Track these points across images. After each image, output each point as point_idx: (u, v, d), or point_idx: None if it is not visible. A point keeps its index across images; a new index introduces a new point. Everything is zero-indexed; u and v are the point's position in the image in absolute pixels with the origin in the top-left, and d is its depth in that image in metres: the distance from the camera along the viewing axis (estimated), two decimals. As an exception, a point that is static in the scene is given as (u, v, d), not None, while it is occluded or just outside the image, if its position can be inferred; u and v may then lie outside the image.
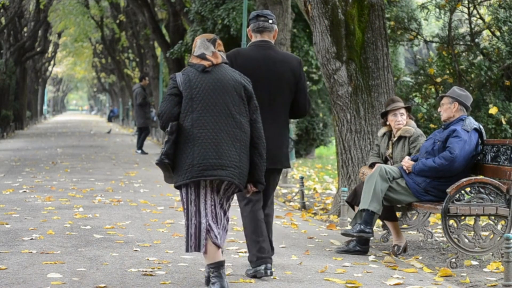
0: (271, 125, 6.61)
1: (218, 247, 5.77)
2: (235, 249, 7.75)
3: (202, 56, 5.98)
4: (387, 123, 8.43)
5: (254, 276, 6.48)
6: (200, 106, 5.84)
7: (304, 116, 7.06)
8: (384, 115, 8.49)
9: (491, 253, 7.32)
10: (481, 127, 7.74)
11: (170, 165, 5.81)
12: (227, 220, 5.93)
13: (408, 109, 8.41)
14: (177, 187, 5.87)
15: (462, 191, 7.28)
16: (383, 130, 8.52)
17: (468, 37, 12.51)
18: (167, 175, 5.90)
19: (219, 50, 6.05)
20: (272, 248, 6.74)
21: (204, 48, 6.01)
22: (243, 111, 5.95)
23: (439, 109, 7.95)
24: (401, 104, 8.37)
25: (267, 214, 6.79)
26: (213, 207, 5.82)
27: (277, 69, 6.68)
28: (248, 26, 6.84)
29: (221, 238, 5.80)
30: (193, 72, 5.93)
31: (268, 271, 6.46)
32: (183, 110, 5.86)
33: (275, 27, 6.78)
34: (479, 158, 7.72)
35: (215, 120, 5.83)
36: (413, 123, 8.37)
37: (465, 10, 12.44)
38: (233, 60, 6.60)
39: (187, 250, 5.84)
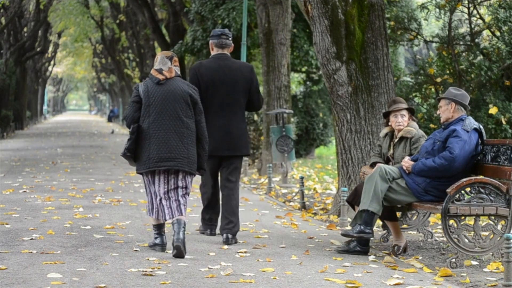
0: (230, 120, 8.31)
1: (178, 211, 7.49)
2: (235, 249, 7.75)
3: (160, 71, 7.59)
4: (389, 123, 8.43)
5: (202, 233, 8.61)
6: (155, 112, 7.50)
7: (259, 110, 8.76)
8: (386, 115, 8.49)
9: (491, 253, 7.32)
10: (481, 127, 7.73)
11: (132, 157, 7.56)
12: (185, 195, 7.57)
13: (410, 110, 8.40)
14: (139, 173, 7.65)
15: (462, 191, 7.28)
16: (385, 130, 8.52)
17: (468, 37, 12.51)
18: (131, 163, 7.68)
19: (174, 66, 7.65)
20: (234, 221, 8.22)
21: (162, 64, 7.63)
22: (189, 114, 7.58)
23: (438, 111, 7.95)
24: (403, 105, 8.35)
25: (231, 194, 8.31)
26: (165, 188, 7.51)
27: (233, 76, 8.34)
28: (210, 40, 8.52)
29: (177, 205, 7.48)
30: (151, 83, 7.57)
31: (213, 232, 8.54)
32: (142, 115, 7.54)
33: (232, 43, 8.51)
34: (479, 158, 7.72)
35: (166, 122, 7.49)
36: (415, 124, 8.36)
37: (465, 10, 12.44)
38: (197, 70, 8.36)
39: (148, 215, 7.73)
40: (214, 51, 8.47)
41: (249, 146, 8.54)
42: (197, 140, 7.63)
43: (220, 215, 8.41)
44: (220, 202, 8.44)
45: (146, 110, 7.51)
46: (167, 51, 7.66)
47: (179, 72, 7.68)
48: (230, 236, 8.08)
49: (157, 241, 7.66)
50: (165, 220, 7.60)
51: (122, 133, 40.07)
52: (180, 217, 7.42)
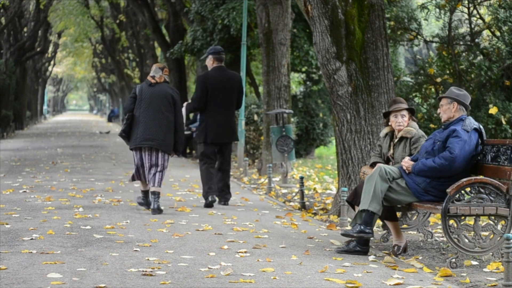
0: (225, 115, 11.30)
1: (153, 184, 10.42)
2: (235, 249, 7.75)
3: (153, 77, 10.62)
4: (389, 123, 8.42)
5: (207, 205, 11.05)
6: (145, 105, 10.52)
7: (239, 108, 12.17)
8: (386, 115, 8.49)
9: (491, 253, 7.31)
10: (481, 127, 7.72)
11: (126, 137, 10.60)
12: (163, 169, 10.52)
13: (411, 110, 8.40)
14: (131, 149, 10.59)
15: (462, 191, 7.27)
16: (385, 130, 8.52)
17: (468, 37, 12.51)
18: (126, 141, 10.69)
19: (165, 74, 10.65)
20: (229, 192, 11.55)
21: (156, 72, 10.66)
22: (170, 109, 10.55)
23: (438, 111, 7.94)
24: (404, 105, 8.35)
25: (226, 169, 11.44)
26: (148, 162, 10.49)
27: (229, 83, 11.39)
28: (209, 55, 11.46)
29: (154, 179, 10.42)
30: (145, 85, 10.65)
31: (214, 198, 11.10)
32: (136, 107, 10.57)
33: (224, 57, 11.56)
34: (479, 158, 7.72)
35: (152, 114, 10.47)
36: (415, 124, 8.36)
37: (465, 10, 12.44)
38: (205, 78, 11.30)
39: (131, 180, 10.84)
40: (214, 64, 11.44)
41: (237, 134, 11.79)
42: (175, 130, 10.52)
43: (217, 186, 11.30)
44: (215, 177, 11.28)
45: (138, 104, 10.54)
46: (160, 63, 11.27)
47: (167, 79, 10.68)
48: (224, 202, 11.36)
49: (144, 202, 10.67)
50: (150, 187, 10.40)
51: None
52: (156, 189, 10.37)
